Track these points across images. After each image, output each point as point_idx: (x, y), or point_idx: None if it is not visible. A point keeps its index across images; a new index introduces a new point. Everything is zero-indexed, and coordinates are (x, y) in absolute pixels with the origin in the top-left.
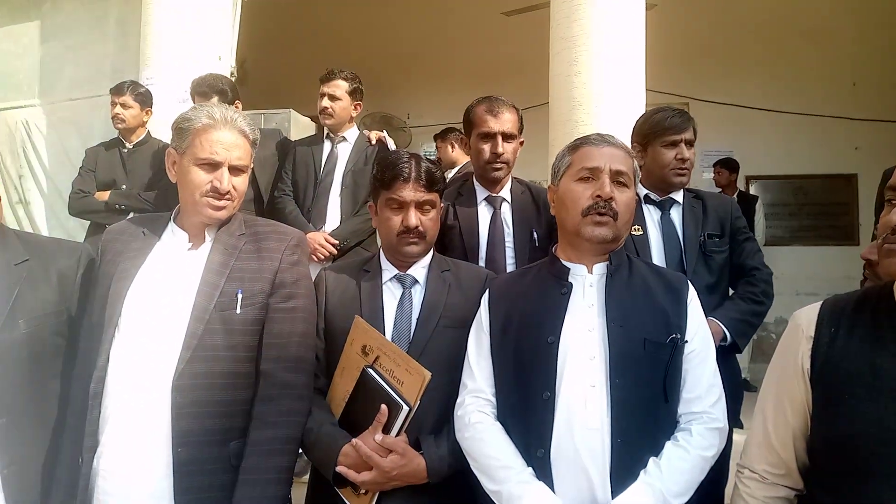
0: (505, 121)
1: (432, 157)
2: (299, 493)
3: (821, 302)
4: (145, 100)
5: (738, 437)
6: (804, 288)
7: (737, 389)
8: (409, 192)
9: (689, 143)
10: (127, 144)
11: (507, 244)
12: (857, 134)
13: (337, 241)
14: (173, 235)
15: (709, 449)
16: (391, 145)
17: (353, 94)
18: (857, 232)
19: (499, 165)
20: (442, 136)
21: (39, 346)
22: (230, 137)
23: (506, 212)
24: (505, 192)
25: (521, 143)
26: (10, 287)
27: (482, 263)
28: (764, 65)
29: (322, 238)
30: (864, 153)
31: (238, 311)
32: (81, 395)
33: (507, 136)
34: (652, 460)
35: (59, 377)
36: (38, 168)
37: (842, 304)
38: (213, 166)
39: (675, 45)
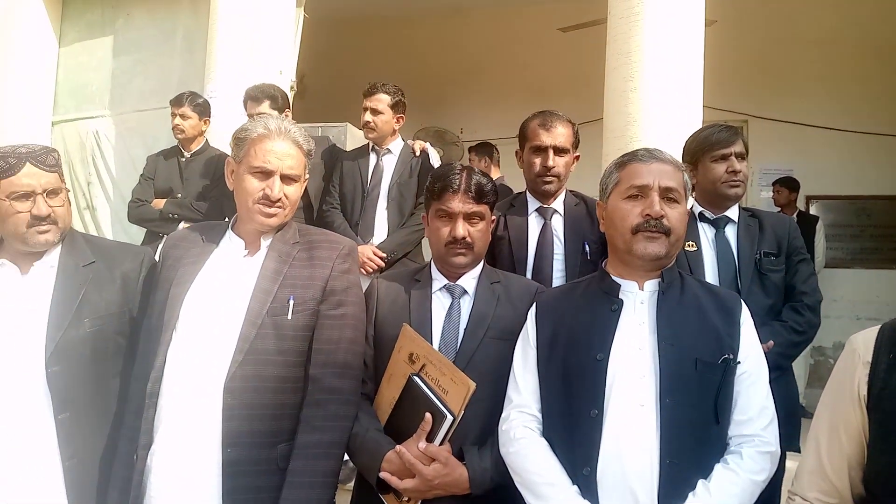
0: (557, 135)
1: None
2: (343, 500)
3: (879, 326)
4: (203, 110)
5: (790, 463)
6: (865, 312)
7: (795, 412)
8: (458, 204)
9: (740, 157)
10: (185, 153)
11: (556, 256)
12: None
13: (385, 254)
14: (230, 242)
15: (759, 473)
16: (433, 155)
17: (395, 107)
18: None
19: (549, 179)
20: (477, 150)
21: (102, 345)
22: (283, 147)
23: (557, 224)
24: (557, 204)
25: (577, 158)
26: (78, 287)
27: (529, 275)
28: (826, 82)
29: (370, 251)
30: None
31: (289, 316)
32: (139, 394)
33: (558, 150)
34: (701, 482)
35: (119, 376)
36: (106, 176)
37: None
38: (265, 174)
39: (734, 62)
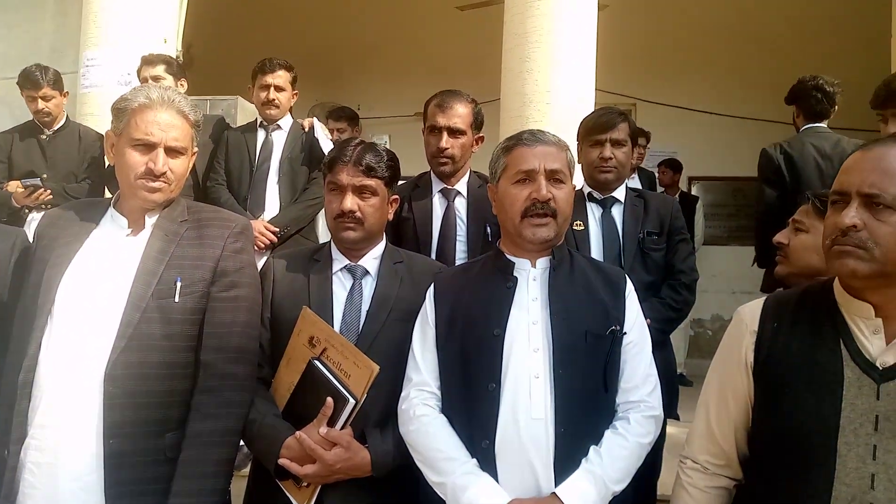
0: (452, 115)
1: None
2: (239, 486)
3: (764, 297)
4: (60, 83)
5: (672, 429)
6: (740, 286)
7: (672, 382)
8: (346, 176)
9: (617, 143)
10: (46, 131)
11: (458, 238)
12: None
13: (277, 230)
14: (112, 221)
15: (646, 436)
16: (318, 130)
17: (293, 83)
18: None
19: (443, 160)
20: (348, 118)
21: None
22: (167, 118)
23: (460, 205)
24: (461, 186)
25: (481, 139)
26: None
27: (433, 256)
28: (709, 69)
29: (262, 226)
30: None
31: (177, 299)
32: (11, 384)
33: (453, 132)
34: (592, 448)
35: None
36: None
37: (784, 300)
38: (148, 147)
39: (625, 47)
